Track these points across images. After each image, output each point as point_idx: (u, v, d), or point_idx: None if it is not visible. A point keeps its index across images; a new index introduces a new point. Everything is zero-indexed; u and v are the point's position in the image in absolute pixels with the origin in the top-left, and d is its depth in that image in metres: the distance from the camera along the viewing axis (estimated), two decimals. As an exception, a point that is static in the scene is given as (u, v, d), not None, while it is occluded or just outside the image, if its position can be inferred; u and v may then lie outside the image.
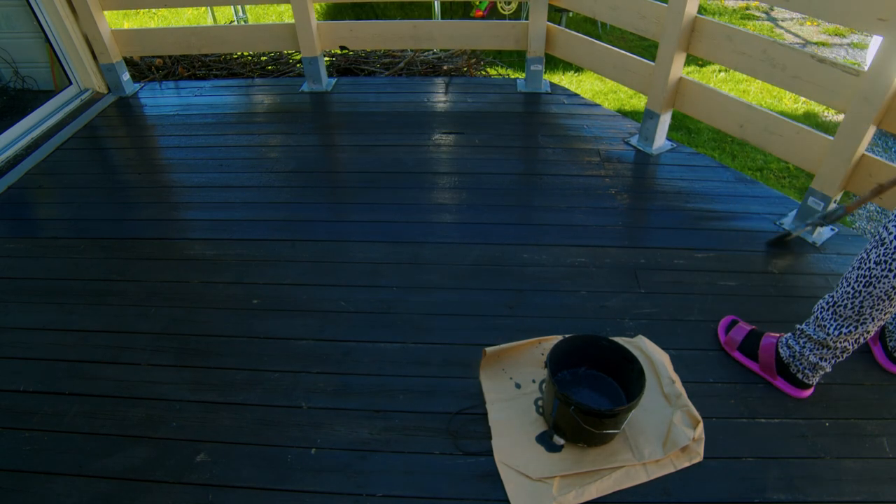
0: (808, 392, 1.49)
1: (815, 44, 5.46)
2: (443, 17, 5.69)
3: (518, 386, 1.53)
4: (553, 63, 5.16)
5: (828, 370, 1.44)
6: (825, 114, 4.29)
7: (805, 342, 1.43)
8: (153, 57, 3.63)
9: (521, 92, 3.08)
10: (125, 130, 2.89)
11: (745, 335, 1.59)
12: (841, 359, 1.41)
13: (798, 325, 1.47)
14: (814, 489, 1.31)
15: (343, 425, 1.46)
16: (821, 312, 1.39)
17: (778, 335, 1.54)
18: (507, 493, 1.30)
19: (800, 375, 1.46)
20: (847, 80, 1.80)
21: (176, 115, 2.97)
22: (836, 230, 2.06)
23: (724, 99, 2.26)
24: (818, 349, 1.41)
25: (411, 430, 1.45)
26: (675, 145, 2.59)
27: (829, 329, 1.37)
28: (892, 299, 1.26)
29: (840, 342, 1.37)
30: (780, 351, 1.49)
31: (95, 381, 1.59)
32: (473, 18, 5.72)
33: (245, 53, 3.81)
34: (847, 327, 1.34)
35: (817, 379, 1.46)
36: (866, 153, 1.85)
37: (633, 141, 2.61)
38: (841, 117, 1.97)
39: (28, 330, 1.76)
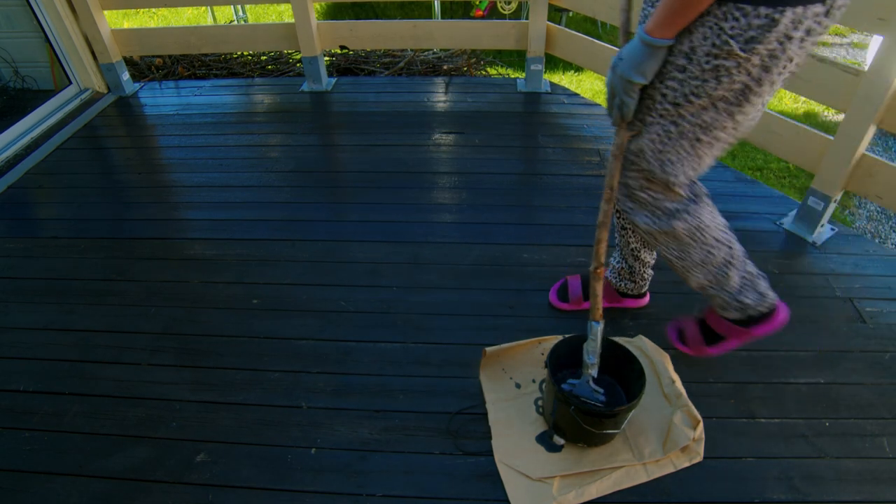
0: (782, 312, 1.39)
1: (816, 43, 5.45)
2: (443, 17, 5.69)
3: (518, 386, 1.53)
4: (553, 63, 5.16)
5: (760, 278, 1.37)
6: (825, 113, 4.29)
7: (730, 303, 1.37)
8: (153, 57, 3.63)
9: (521, 92, 3.08)
10: (125, 130, 2.89)
11: (697, 329, 1.52)
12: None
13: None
14: (814, 489, 1.31)
15: (343, 425, 1.46)
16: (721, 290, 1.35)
17: (706, 311, 1.51)
18: (507, 493, 1.30)
19: (762, 309, 1.37)
20: (847, 80, 1.80)
21: (176, 114, 2.97)
22: (836, 230, 2.06)
23: (724, 99, 2.25)
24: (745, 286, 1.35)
25: (411, 430, 1.45)
26: (675, 145, 2.59)
27: (733, 283, 1.33)
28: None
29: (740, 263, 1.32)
30: (731, 319, 1.42)
31: (95, 381, 1.59)
32: (473, 18, 5.72)
33: (245, 53, 3.82)
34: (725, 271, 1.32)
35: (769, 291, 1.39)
36: (866, 153, 1.85)
37: (633, 141, 2.61)
38: (841, 117, 1.97)
39: (28, 330, 1.76)
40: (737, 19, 0.97)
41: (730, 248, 1.31)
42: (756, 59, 1.01)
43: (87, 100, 3.14)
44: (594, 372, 1.33)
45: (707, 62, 1.03)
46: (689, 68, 1.06)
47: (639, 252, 1.59)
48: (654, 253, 1.62)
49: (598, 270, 1.29)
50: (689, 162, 1.19)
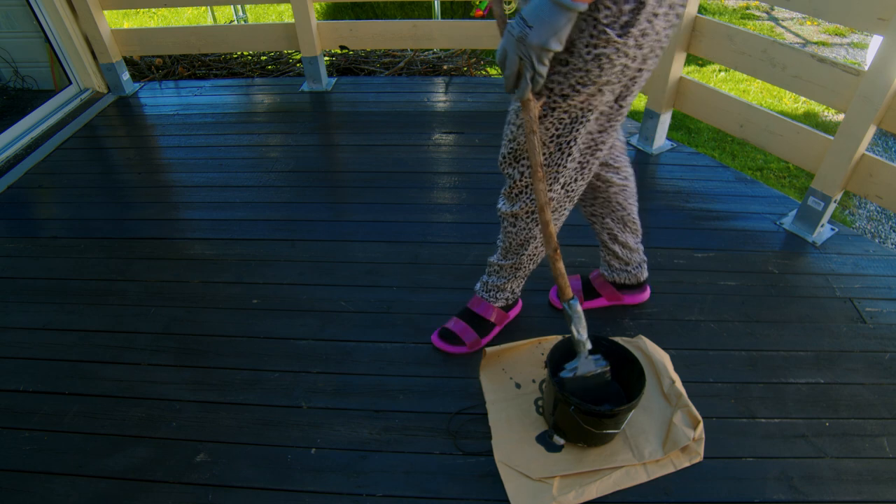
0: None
1: (816, 43, 5.46)
2: (443, 17, 5.69)
3: (518, 386, 1.53)
4: (553, 63, 5.15)
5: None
6: (825, 113, 4.29)
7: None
8: (153, 56, 3.63)
9: (521, 92, 3.07)
10: (125, 130, 2.89)
11: (465, 324, 1.65)
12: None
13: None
14: (814, 489, 1.31)
15: (343, 425, 1.46)
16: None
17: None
18: (507, 493, 1.30)
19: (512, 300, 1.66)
20: (847, 80, 1.80)
21: (176, 114, 2.97)
22: (836, 230, 2.06)
23: (724, 99, 2.26)
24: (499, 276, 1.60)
25: (411, 430, 1.45)
26: (675, 145, 2.59)
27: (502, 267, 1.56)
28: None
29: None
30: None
31: (95, 381, 1.59)
32: (473, 18, 5.72)
33: (245, 53, 3.81)
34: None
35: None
36: (866, 153, 1.85)
37: (633, 140, 2.61)
38: (841, 117, 1.97)
39: (28, 330, 1.76)
40: (609, 8, 1.01)
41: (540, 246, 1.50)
42: (631, 41, 1.06)
43: (87, 100, 3.14)
44: (589, 345, 1.31)
45: (588, 53, 1.07)
46: (571, 61, 1.09)
47: (615, 234, 1.60)
48: (638, 235, 1.62)
49: (556, 252, 1.29)
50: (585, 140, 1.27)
